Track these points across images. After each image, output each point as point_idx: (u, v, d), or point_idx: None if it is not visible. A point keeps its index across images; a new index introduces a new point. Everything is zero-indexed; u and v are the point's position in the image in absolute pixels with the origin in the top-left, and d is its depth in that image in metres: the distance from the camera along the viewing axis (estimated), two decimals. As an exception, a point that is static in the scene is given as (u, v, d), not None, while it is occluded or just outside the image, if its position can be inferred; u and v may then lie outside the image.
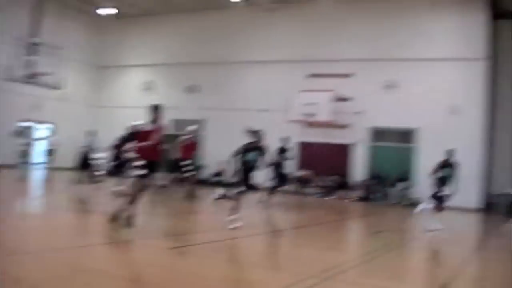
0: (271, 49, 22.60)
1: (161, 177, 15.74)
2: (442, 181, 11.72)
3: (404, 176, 20.04)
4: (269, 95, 22.11)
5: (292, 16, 22.39)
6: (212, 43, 23.63)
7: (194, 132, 15.15)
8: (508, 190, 19.08)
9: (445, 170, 11.69)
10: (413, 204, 19.33)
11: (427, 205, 12.20)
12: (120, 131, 14.48)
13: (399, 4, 20.79)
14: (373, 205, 19.39)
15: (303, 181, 20.87)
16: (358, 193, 20.32)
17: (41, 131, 21.94)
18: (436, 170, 11.75)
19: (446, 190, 11.74)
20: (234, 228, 8.93)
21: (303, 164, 21.07)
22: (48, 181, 17.46)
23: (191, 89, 23.89)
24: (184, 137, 14.92)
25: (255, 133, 9.71)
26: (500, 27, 20.63)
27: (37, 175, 18.74)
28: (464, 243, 10.93)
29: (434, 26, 20.54)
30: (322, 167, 20.71)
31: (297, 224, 12.69)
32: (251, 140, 9.61)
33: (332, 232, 11.28)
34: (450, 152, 12.04)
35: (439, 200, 11.78)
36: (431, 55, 20.27)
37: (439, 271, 7.53)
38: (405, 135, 20.46)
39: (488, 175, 20.15)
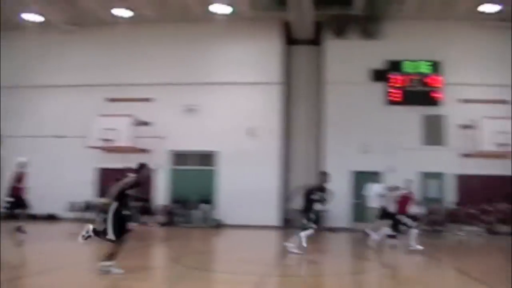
0: (67, 72, 22.04)
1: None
2: (312, 203, 11.89)
3: (206, 199, 20.78)
4: (66, 121, 21.55)
5: (90, 39, 22.19)
6: (4, 66, 22.02)
7: (24, 164, 13.77)
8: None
9: (319, 194, 11.92)
10: (217, 225, 20.23)
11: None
12: None
13: (199, 29, 21.51)
14: (177, 228, 19.71)
15: (104, 209, 20.65)
16: (161, 218, 20.61)
17: None
18: (310, 193, 11.88)
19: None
20: None
21: (103, 191, 20.91)
22: None
23: (-20, 115, 22.35)
24: (16, 171, 13.59)
25: (142, 166, 8.89)
26: (292, 52, 22.53)
27: None
28: (264, 260, 11.22)
29: (233, 51, 21.75)
30: (123, 194, 20.68)
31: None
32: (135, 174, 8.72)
33: (133, 259, 10.62)
34: (324, 175, 12.20)
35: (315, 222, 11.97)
36: (230, 79, 21.39)
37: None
38: (206, 158, 21.24)
39: (286, 193, 21.64)
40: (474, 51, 21.38)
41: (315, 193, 11.80)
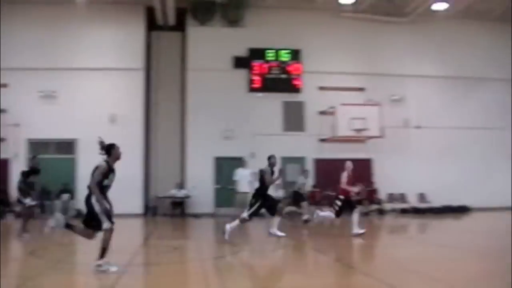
0: None
1: None
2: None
3: (67, 188, 20.94)
4: None
5: None
6: None
7: None
8: (169, 193, 21.38)
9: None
10: (79, 215, 20.38)
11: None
12: None
13: (59, 12, 21.24)
14: (35, 220, 19.46)
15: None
16: (18, 209, 20.43)
17: None
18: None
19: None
20: None
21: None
22: None
23: None
24: None
25: (111, 147, 8.12)
26: (156, 38, 22.96)
27: None
28: (126, 248, 10.74)
29: (95, 36, 21.64)
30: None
31: None
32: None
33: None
34: (272, 158, 12.32)
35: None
36: (91, 65, 21.27)
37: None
38: (66, 146, 21.11)
39: (149, 180, 22.26)
40: (332, 40, 22.99)
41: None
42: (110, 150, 7.93)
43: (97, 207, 7.77)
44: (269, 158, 12.46)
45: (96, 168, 7.84)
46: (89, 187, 7.83)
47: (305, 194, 18.51)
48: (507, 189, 22.70)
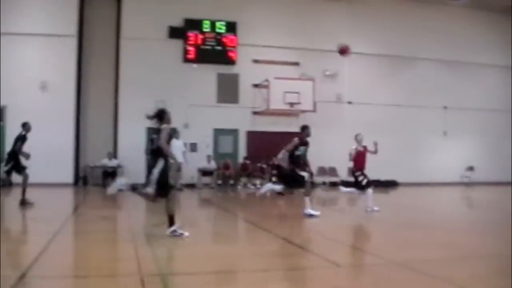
0: None
1: None
2: (298, 160, 11.56)
3: (-8, 156, 21.04)
4: None
5: None
6: None
7: None
8: (101, 163, 21.93)
9: (301, 149, 11.61)
10: (7, 184, 20.64)
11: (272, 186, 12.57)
12: None
13: None
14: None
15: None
16: None
17: None
18: (293, 149, 11.43)
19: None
20: None
21: None
22: None
23: None
24: None
25: (163, 112, 8.56)
26: (90, 5, 22.77)
27: None
28: (56, 218, 10.94)
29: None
30: None
31: None
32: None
33: None
34: (307, 129, 11.68)
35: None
36: (20, 30, 21.04)
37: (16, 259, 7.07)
38: None
39: (81, 150, 22.50)
40: (268, 14, 23.65)
41: (299, 148, 11.59)
42: (162, 116, 8.44)
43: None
44: (304, 128, 11.86)
45: (162, 130, 8.29)
46: (159, 148, 8.26)
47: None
48: (435, 165, 24.53)
